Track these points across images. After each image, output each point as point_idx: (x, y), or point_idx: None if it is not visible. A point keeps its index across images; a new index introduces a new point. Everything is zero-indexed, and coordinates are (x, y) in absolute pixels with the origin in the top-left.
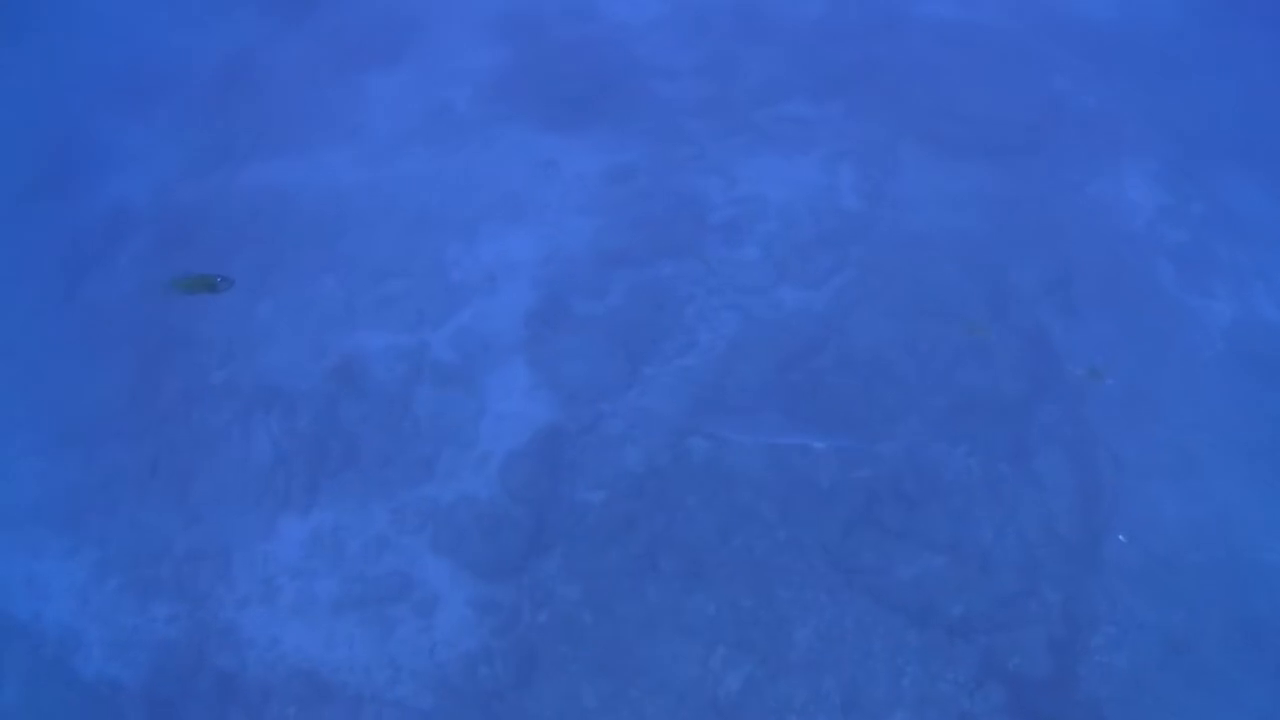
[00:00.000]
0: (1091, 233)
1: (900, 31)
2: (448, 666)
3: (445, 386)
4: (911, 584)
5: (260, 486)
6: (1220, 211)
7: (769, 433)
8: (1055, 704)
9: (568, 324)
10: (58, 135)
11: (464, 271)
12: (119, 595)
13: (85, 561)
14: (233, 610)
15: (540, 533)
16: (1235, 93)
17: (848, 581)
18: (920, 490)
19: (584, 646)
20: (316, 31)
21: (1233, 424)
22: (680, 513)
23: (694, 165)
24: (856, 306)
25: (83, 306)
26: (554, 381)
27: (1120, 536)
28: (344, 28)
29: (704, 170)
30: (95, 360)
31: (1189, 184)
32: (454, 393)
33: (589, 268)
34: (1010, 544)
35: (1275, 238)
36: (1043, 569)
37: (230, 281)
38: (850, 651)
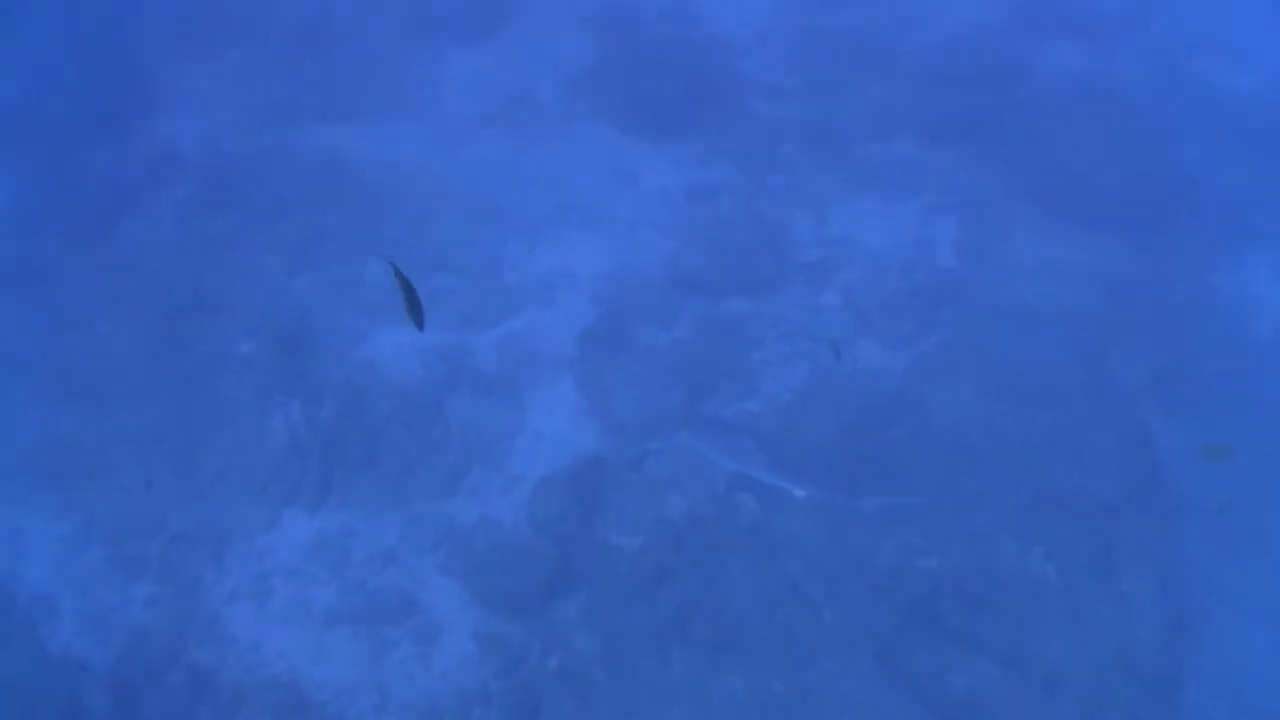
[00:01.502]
0: (1210, 328)
1: (1024, 79)
2: (440, 702)
3: (484, 396)
4: (964, 695)
5: (270, 474)
6: None
7: (767, 474)
8: None
9: (625, 349)
10: (118, 69)
11: (521, 275)
12: (100, 568)
13: (70, 525)
14: (219, 603)
15: (563, 572)
16: None
17: (893, 681)
18: (987, 590)
19: (592, 707)
20: None
21: None
22: (719, 575)
23: (785, 195)
24: (940, 376)
25: (116, 249)
26: (601, 409)
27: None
28: None
29: (795, 202)
30: (119, 310)
31: None
32: (492, 404)
33: (657, 291)
34: (1080, 666)
35: None
36: (1113, 701)
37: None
38: None
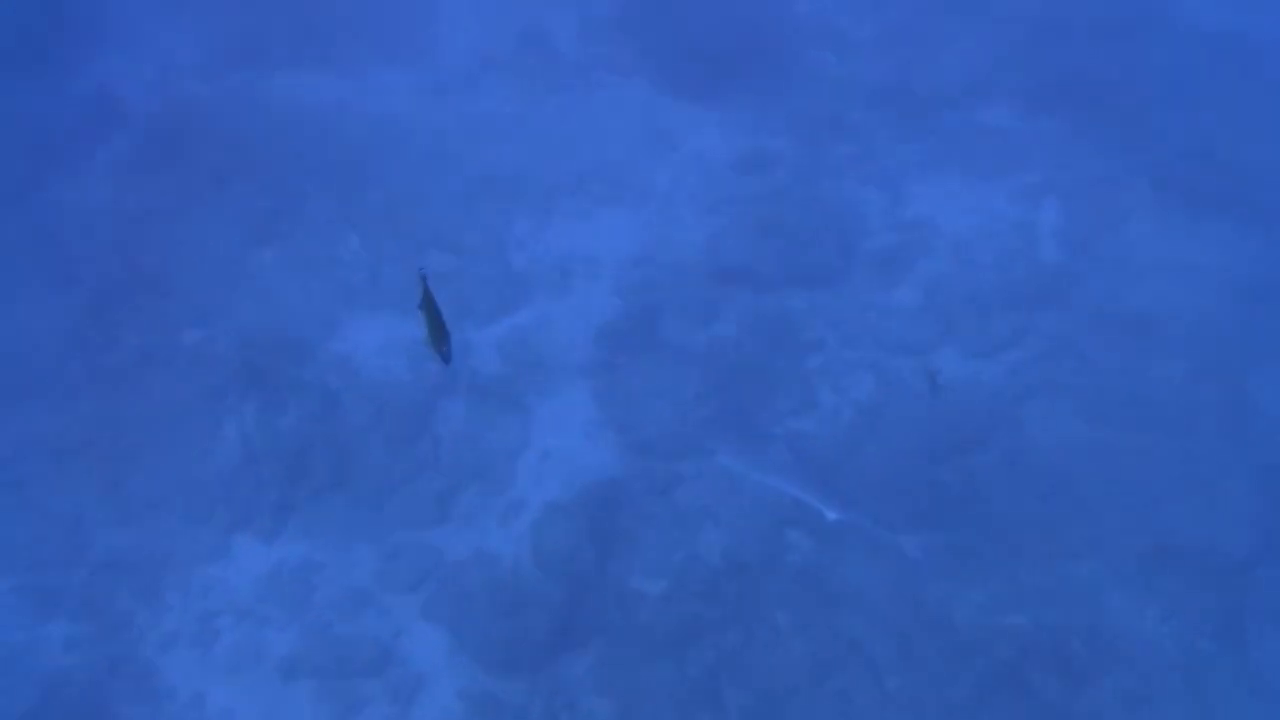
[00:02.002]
0: None
1: (1152, 36)
2: None
3: (482, 404)
4: None
5: (219, 492)
6: None
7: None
8: None
9: (654, 351)
10: None
11: (531, 257)
12: (9, 600)
13: None
14: (154, 647)
15: (572, 621)
16: None
17: None
18: (1089, 656)
19: None
20: None
21: None
22: (763, 630)
23: (853, 170)
24: (1038, 394)
25: (36, 215)
26: (623, 422)
27: None
28: None
29: (865, 178)
30: (40, 286)
31: None
32: (492, 414)
33: (695, 281)
34: None
35: None
36: None
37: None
38: None
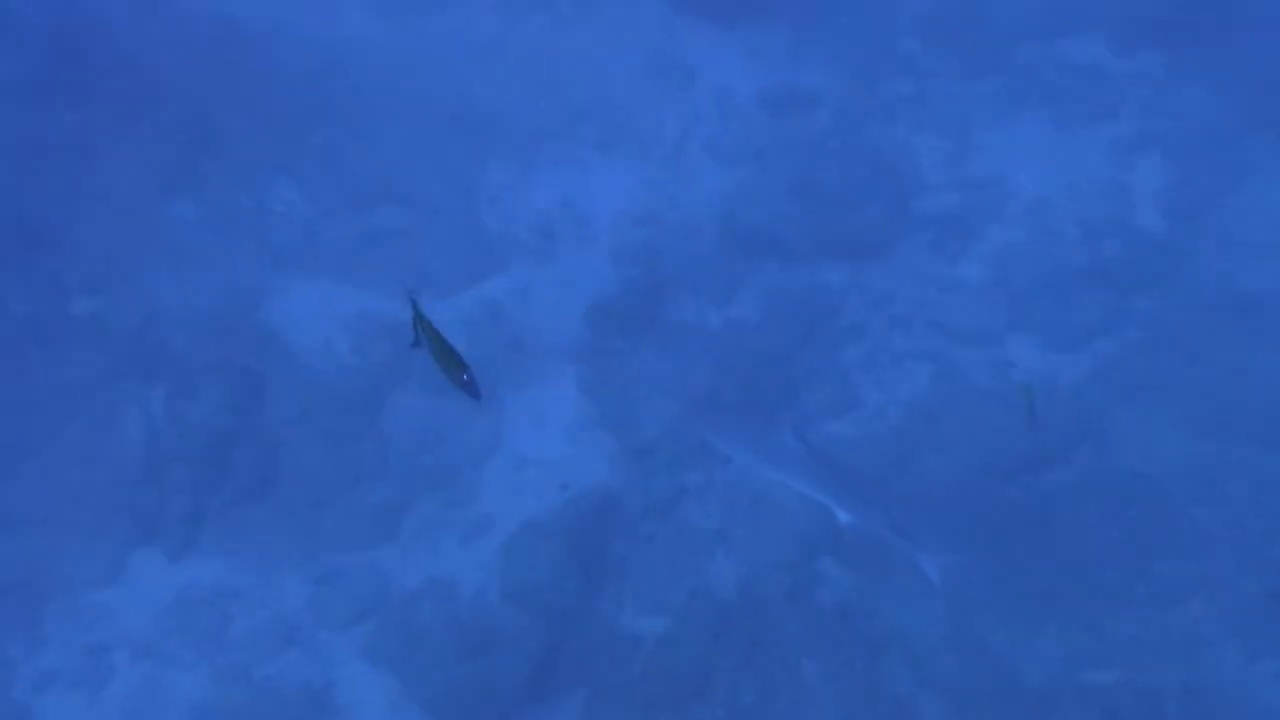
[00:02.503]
0: None
1: None
2: None
3: (442, 396)
4: None
5: (115, 498)
6: None
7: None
8: None
9: (657, 332)
10: None
11: (506, 214)
12: None
13: None
14: (26, 689)
15: (549, 668)
16: None
17: None
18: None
19: None
20: None
21: None
22: (787, 682)
23: (907, 112)
24: (1131, 397)
25: None
26: (618, 421)
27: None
28: None
29: (922, 123)
30: None
31: None
32: (454, 408)
33: (710, 248)
34: None
35: None
36: None
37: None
38: None
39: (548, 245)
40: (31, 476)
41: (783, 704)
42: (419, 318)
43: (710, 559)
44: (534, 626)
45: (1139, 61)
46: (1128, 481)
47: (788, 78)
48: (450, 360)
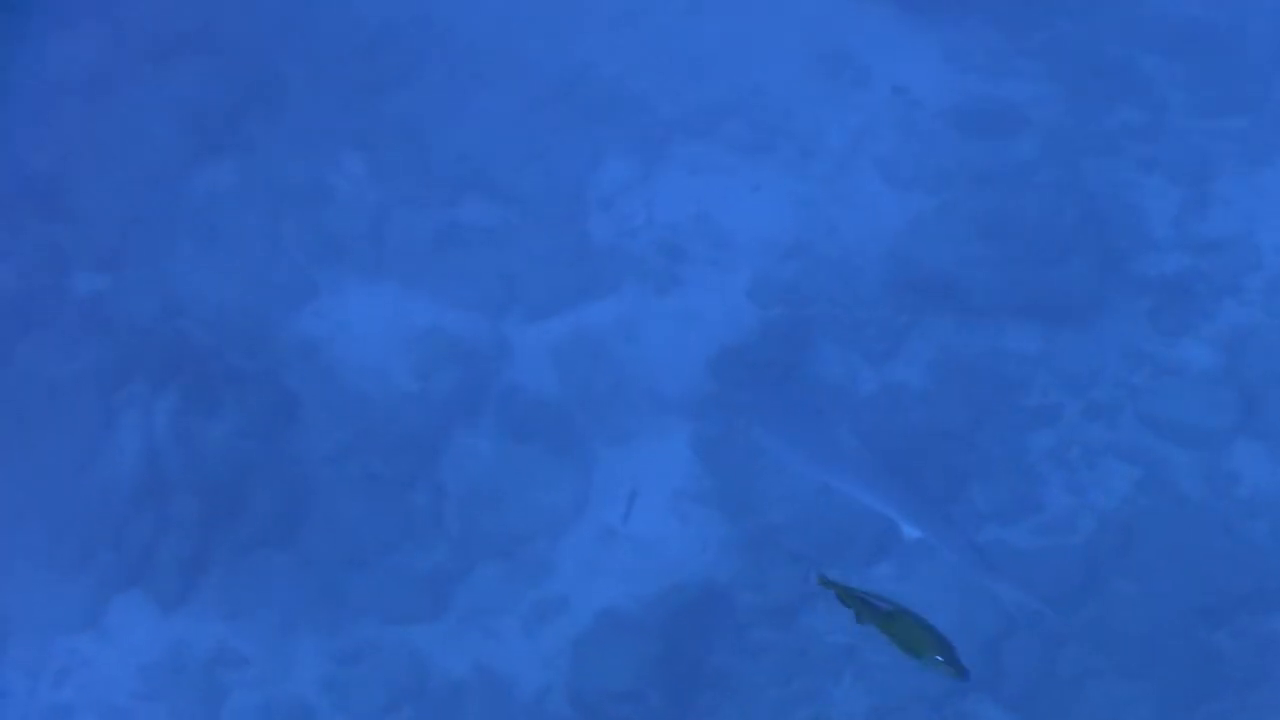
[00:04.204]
0: None
1: None
2: None
3: (517, 442)
4: None
5: (99, 528)
6: None
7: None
8: None
9: (796, 390)
10: None
11: (621, 223)
12: None
13: None
14: None
15: None
16: None
17: None
18: None
19: None
20: None
21: None
22: None
23: (1135, 147)
24: None
25: None
26: (736, 497)
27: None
28: None
29: (1152, 163)
30: None
31: None
32: (532, 459)
33: (873, 292)
34: None
35: None
36: None
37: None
38: None
39: (672, 269)
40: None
41: None
42: (846, 594)
43: (835, 683)
44: None
45: None
46: None
47: (990, 90)
48: (928, 638)
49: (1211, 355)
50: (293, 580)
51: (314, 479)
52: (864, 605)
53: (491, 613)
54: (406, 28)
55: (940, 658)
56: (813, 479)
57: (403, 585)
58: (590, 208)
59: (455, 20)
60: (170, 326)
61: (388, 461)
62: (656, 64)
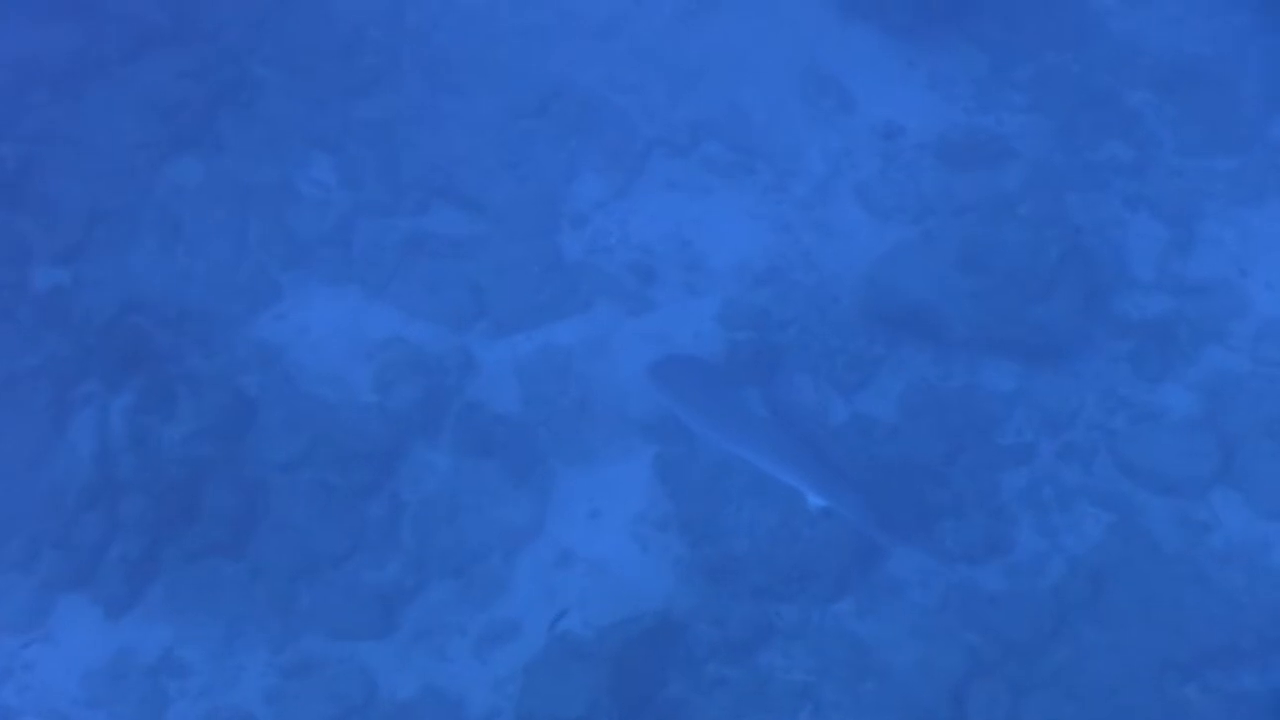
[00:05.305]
0: None
1: None
2: None
3: (478, 457)
4: None
5: (46, 526)
6: None
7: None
8: None
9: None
10: None
11: (595, 239)
12: None
13: None
14: None
15: None
16: None
17: None
18: None
19: None
20: None
21: None
22: None
23: (1122, 183)
24: None
25: None
26: (697, 524)
27: None
28: None
29: (1139, 199)
30: None
31: None
32: (491, 476)
33: (846, 319)
34: None
35: None
36: None
37: None
38: None
39: (643, 289)
40: None
41: None
42: None
43: None
44: None
45: None
46: None
47: (975, 120)
48: None
49: (1192, 401)
50: (242, 589)
51: (268, 486)
52: None
53: (442, 632)
54: (382, 30)
55: None
56: (782, 510)
57: (353, 599)
58: (563, 221)
59: (432, 24)
60: (129, 324)
61: (344, 472)
62: (637, 79)
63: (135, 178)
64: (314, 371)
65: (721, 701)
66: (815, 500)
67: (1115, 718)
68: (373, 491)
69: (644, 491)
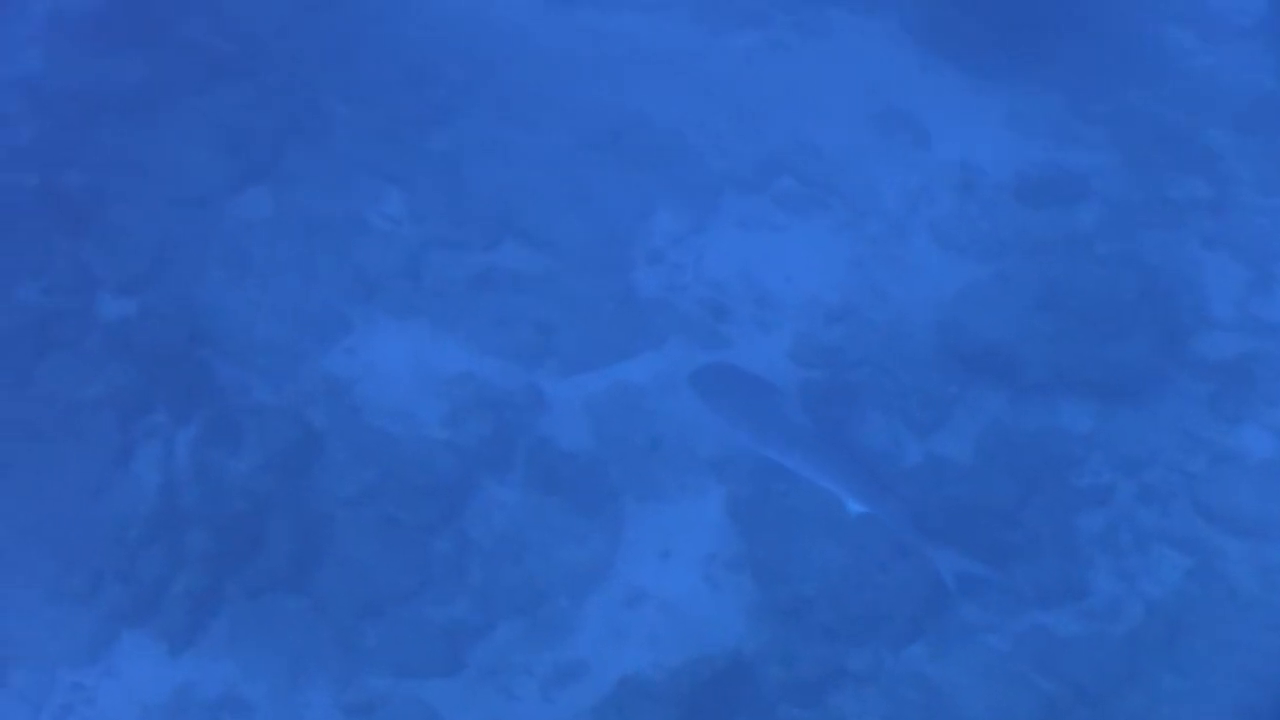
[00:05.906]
0: None
1: None
2: None
3: (546, 494)
4: None
5: (109, 559)
6: None
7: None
8: None
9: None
10: None
11: (668, 276)
12: None
13: None
14: None
15: None
16: None
17: None
18: None
19: None
20: None
21: None
22: None
23: (1201, 222)
24: None
25: None
26: (770, 565)
27: None
28: None
29: (1217, 238)
30: None
31: None
32: (561, 514)
33: (921, 359)
34: None
35: None
36: None
37: None
38: None
39: (717, 326)
40: (8, 512)
41: None
42: None
43: None
44: None
45: None
46: None
47: (1052, 158)
48: None
49: (1271, 443)
50: (305, 625)
51: (333, 521)
52: None
53: (509, 671)
54: (452, 64)
55: None
56: (855, 554)
57: (419, 637)
58: (637, 259)
59: (502, 59)
60: (196, 356)
61: (411, 508)
62: (709, 114)
63: (204, 208)
64: (381, 406)
65: None
66: (855, 506)
67: None
68: (440, 528)
69: (715, 531)
